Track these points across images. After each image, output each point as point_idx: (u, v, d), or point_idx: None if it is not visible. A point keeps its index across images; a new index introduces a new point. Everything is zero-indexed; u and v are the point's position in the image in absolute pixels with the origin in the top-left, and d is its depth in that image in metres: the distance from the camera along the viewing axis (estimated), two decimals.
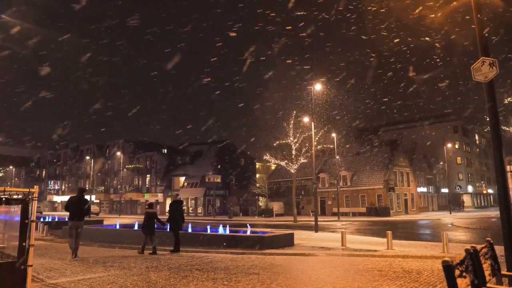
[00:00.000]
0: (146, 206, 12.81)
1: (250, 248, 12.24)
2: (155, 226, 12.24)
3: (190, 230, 15.17)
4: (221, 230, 14.70)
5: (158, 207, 51.45)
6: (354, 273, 7.86)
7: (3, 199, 4.62)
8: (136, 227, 16.26)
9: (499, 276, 4.51)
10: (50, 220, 25.76)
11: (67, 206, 11.02)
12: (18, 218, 4.62)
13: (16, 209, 4.70)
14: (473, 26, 6.30)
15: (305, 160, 33.77)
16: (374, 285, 6.72)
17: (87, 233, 17.43)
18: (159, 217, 12.61)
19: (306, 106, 30.59)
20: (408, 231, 22.54)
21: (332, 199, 45.78)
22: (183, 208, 14.06)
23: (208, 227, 15.27)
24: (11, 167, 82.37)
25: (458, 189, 63.81)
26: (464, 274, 3.43)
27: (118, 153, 64.66)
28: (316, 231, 20.58)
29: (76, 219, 10.86)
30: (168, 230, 12.68)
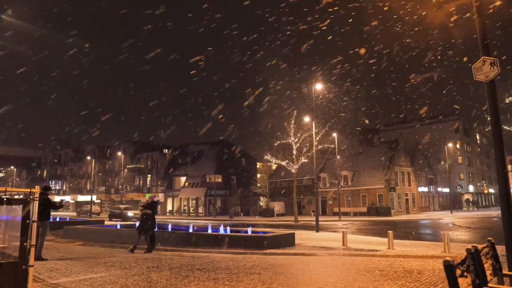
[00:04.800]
0: (141, 208, 12.46)
1: (251, 248, 12.25)
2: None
3: (191, 230, 15.19)
4: (222, 230, 14.70)
5: (158, 207, 51.46)
6: (355, 273, 7.85)
7: (4, 199, 4.63)
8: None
9: (500, 275, 4.51)
10: (51, 220, 25.73)
11: None
12: (19, 218, 4.62)
13: (18, 209, 4.70)
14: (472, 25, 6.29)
15: (306, 160, 33.78)
16: (375, 285, 6.71)
17: (88, 233, 17.50)
18: (156, 216, 12.74)
19: (307, 106, 30.63)
20: (409, 231, 22.51)
21: (333, 199, 45.75)
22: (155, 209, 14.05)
23: (209, 227, 15.28)
24: (12, 167, 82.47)
25: (459, 188, 63.74)
26: (465, 273, 3.43)
27: (119, 153, 64.74)
28: (317, 231, 20.58)
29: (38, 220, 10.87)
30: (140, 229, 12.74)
